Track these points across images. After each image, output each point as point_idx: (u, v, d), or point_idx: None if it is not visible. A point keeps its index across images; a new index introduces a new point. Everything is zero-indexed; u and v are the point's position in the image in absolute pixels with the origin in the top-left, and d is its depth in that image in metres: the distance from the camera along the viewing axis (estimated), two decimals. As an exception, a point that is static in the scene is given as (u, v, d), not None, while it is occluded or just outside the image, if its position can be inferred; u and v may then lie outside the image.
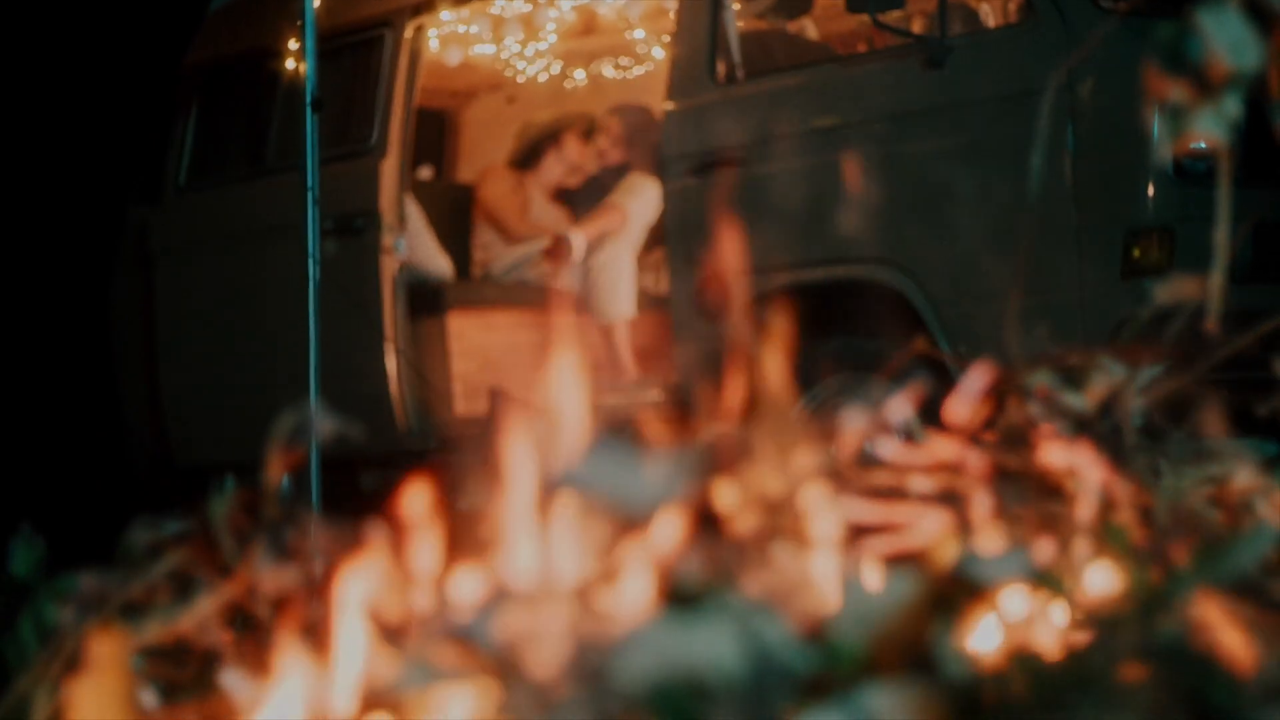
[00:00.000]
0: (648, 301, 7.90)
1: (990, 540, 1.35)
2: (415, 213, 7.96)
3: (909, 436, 1.45)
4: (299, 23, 6.90)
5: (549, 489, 1.32)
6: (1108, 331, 5.54)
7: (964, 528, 1.36)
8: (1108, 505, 1.35)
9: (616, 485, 1.29)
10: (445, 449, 7.56)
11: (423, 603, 1.33)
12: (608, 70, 9.12)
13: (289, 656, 1.28)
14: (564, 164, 8.60)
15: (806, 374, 5.92)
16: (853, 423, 1.42)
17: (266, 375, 7.75)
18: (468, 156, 9.48)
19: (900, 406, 1.50)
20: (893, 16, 6.33)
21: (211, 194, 8.38)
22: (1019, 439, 1.42)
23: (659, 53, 8.57)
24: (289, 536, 1.41)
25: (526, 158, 8.64)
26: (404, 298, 7.59)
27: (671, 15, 7.12)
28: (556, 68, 9.09)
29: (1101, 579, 1.28)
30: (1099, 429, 1.43)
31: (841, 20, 7.35)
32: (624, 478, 1.30)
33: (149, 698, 1.32)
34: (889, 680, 1.13)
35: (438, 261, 8.12)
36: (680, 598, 1.22)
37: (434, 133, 9.35)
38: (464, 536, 1.35)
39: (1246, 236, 5.24)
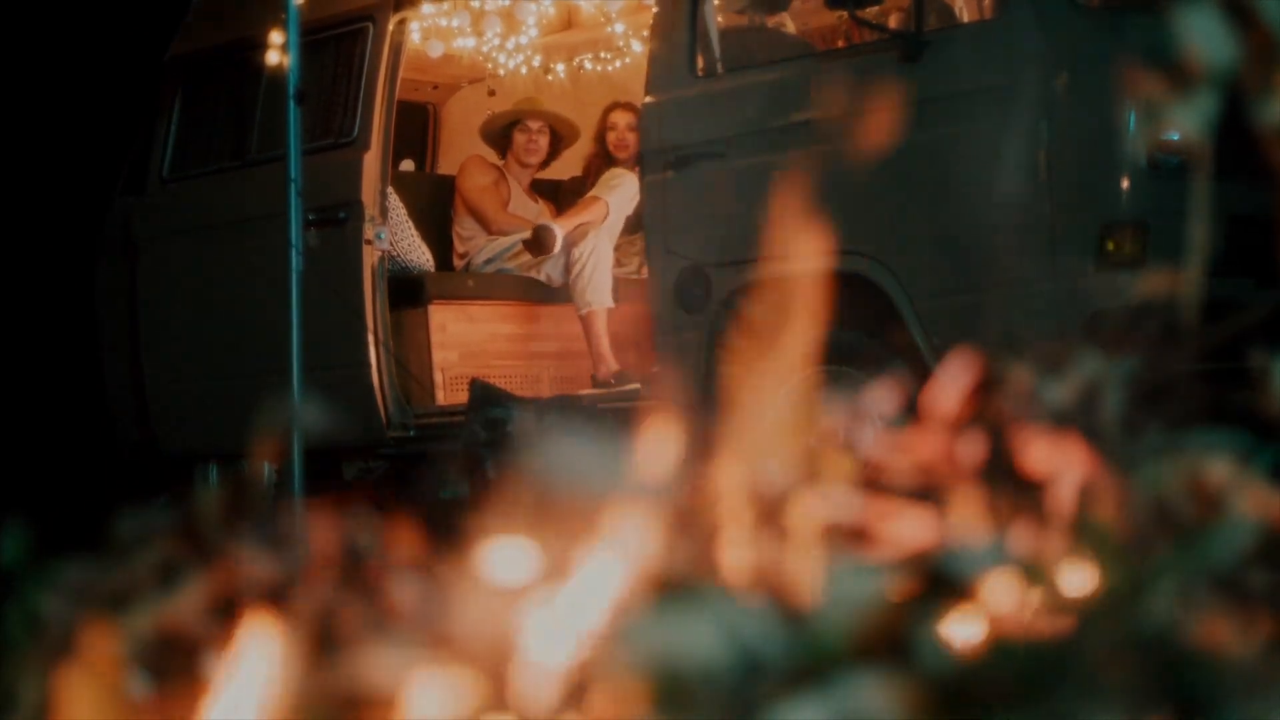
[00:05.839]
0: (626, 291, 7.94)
1: (970, 531, 1.36)
2: (397, 204, 7.97)
3: (888, 428, 1.46)
4: (282, 15, 6.90)
5: (530, 480, 1.33)
6: (1082, 324, 5.56)
7: (943, 519, 1.37)
8: (1086, 497, 1.37)
9: (594, 474, 1.31)
10: (426, 439, 7.58)
11: (404, 594, 1.34)
12: (588, 64, 9.14)
13: (271, 646, 1.29)
14: (532, 143, 8.61)
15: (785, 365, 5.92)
16: (831, 414, 1.44)
17: (249, 364, 7.76)
18: (449, 149, 9.49)
19: (878, 398, 1.51)
20: (870, 12, 6.35)
21: (195, 184, 8.38)
22: (996, 430, 1.43)
23: (638, 47, 8.59)
24: (274, 525, 1.42)
25: (499, 135, 8.67)
26: (385, 289, 7.60)
27: (652, 10, 7.13)
28: (537, 61, 9.10)
29: (1080, 570, 1.29)
30: (1076, 420, 1.44)
31: (820, 15, 7.36)
32: (602, 466, 1.31)
33: (137, 687, 1.33)
34: (870, 670, 1.15)
35: (419, 253, 8.13)
36: (661, 588, 1.23)
37: (416, 125, 9.36)
38: (446, 526, 1.36)
39: (1219, 230, 5.25)
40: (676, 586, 1.22)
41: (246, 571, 1.37)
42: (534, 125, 8.63)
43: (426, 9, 7.99)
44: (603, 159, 8.52)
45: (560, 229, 7.93)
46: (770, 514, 1.33)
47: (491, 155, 8.74)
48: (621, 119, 8.51)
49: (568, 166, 8.90)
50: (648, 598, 1.22)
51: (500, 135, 8.69)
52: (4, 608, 1.37)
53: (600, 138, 8.59)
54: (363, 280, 7.51)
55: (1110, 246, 5.67)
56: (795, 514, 1.33)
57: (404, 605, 1.32)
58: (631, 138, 8.41)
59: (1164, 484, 1.34)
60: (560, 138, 8.75)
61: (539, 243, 7.93)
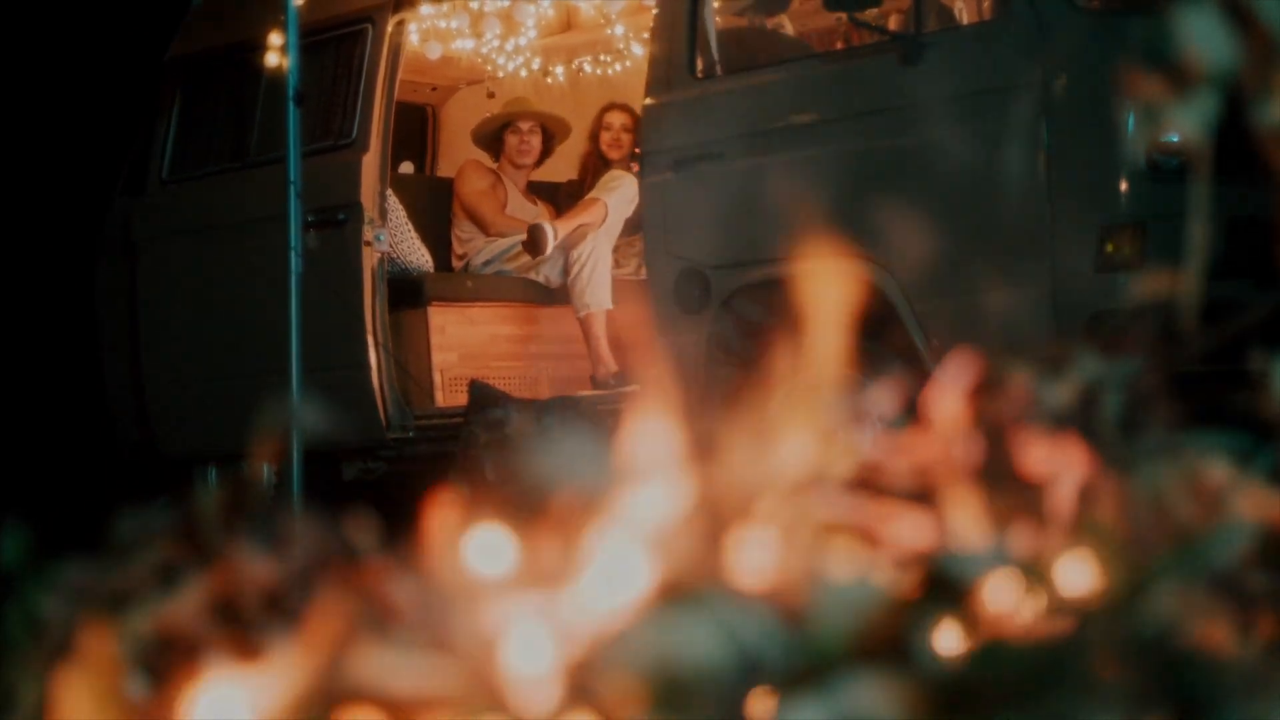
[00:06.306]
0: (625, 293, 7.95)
1: (969, 533, 1.36)
2: (396, 206, 7.98)
3: (887, 429, 1.46)
4: (281, 17, 6.91)
5: (529, 482, 1.33)
6: (1081, 325, 5.57)
7: (943, 520, 1.37)
8: (1085, 498, 1.37)
9: (592, 475, 1.31)
10: (425, 440, 7.58)
11: (404, 595, 1.34)
12: (587, 66, 9.14)
13: (269, 649, 1.29)
14: (524, 144, 8.61)
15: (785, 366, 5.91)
16: (830, 415, 1.44)
17: (248, 366, 7.77)
18: (448, 151, 9.50)
19: (877, 400, 1.51)
20: (869, 14, 6.35)
21: (194, 186, 8.38)
22: (996, 432, 1.43)
23: (638, 49, 8.59)
24: (273, 527, 1.42)
25: (491, 138, 8.68)
26: (385, 290, 7.60)
27: (652, 12, 7.14)
28: (536, 63, 9.10)
29: (1080, 571, 1.29)
30: (1075, 422, 1.44)
31: (819, 17, 7.37)
32: (600, 467, 1.31)
33: (137, 688, 1.32)
34: (870, 671, 1.15)
35: (418, 254, 8.14)
36: (661, 589, 1.23)
37: (415, 127, 9.36)
38: (446, 527, 1.36)
39: (1218, 231, 5.25)
40: (676, 587, 1.22)
41: (246, 573, 1.37)
42: (524, 126, 8.63)
43: (425, 10, 8.00)
44: (597, 159, 8.53)
45: (552, 228, 7.93)
46: (770, 515, 1.33)
47: (487, 159, 8.74)
48: (616, 119, 8.52)
49: (564, 168, 8.90)
50: (647, 599, 1.22)
51: (492, 139, 8.69)
52: (4, 608, 1.37)
53: (594, 138, 8.60)
54: (362, 282, 7.52)
55: (1110, 248, 5.67)
56: (795, 515, 1.33)
57: (402, 606, 1.32)
58: (626, 138, 8.42)
59: (1163, 485, 1.34)
60: (552, 135, 8.75)
61: (533, 242, 7.94)
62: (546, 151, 8.76)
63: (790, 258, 6.16)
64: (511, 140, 8.61)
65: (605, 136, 8.52)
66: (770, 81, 6.59)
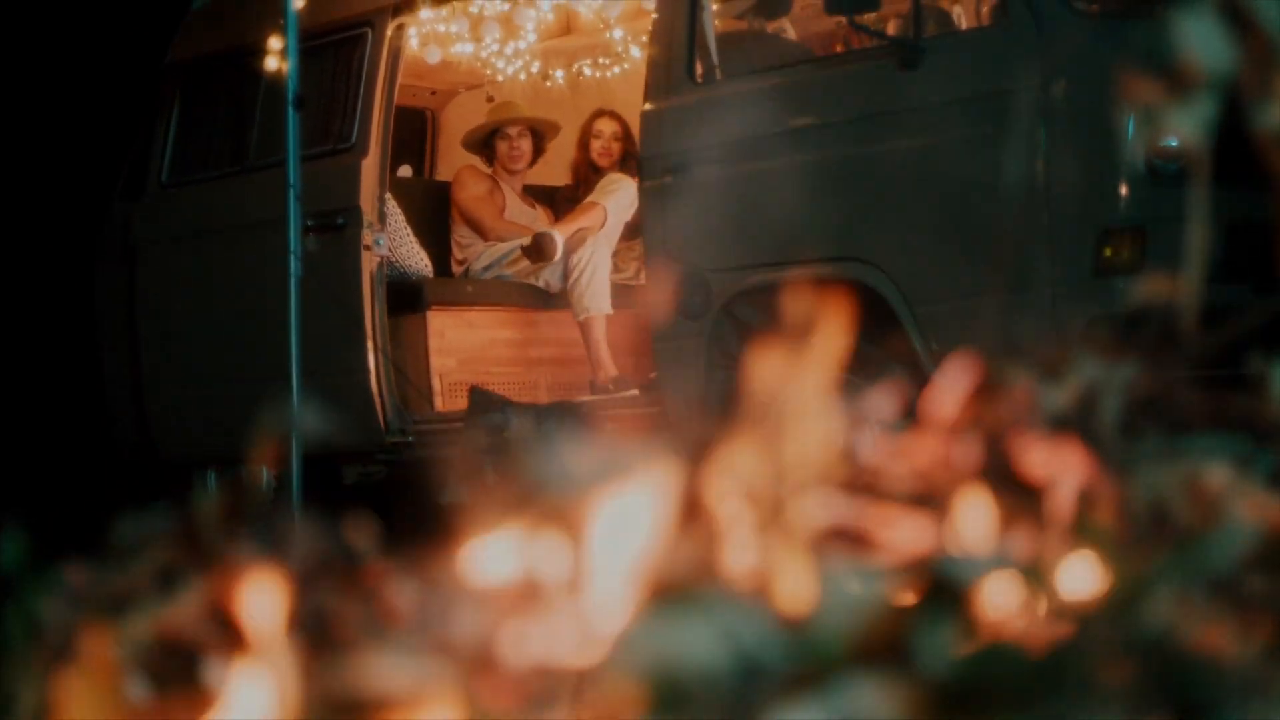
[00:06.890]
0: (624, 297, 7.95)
1: (969, 536, 1.36)
2: (395, 210, 7.98)
3: (887, 433, 1.46)
4: (281, 21, 6.91)
5: (528, 482, 1.33)
6: (1081, 329, 5.56)
7: (942, 524, 1.37)
8: (1085, 502, 1.37)
9: (591, 478, 1.31)
10: (424, 445, 7.58)
11: (402, 599, 1.34)
12: (587, 70, 9.14)
13: (266, 654, 1.29)
14: (515, 149, 8.60)
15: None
16: (831, 419, 1.44)
17: (247, 370, 7.77)
18: (447, 155, 9.49)
19: (877, 404, 1.51)
20: (868, 18, 6.35)
21: (194, 190, 8.38)
22: (995, 436, 1.43)
23: (637, 53, 8.59)
24: (273, 531, 1.42)
25: (481, 145, 8.67)
26: (384, 294, 7.60)
27: (651, 16, 7.14)
28: (536, 67, 9.10)
29: (1079, 575, 1.30)
30: (1075, 426, 1.44)
31: (818, 22, 7.37)
32: (599, 470, 1.31)
33: (136, 692, 1.32)
34: (869, 675, 1.15)
35: (418, 259, 8.14)
36: (661, 592, 1.23)
37: (414, 131, 9.36)
38: (445, 531, 1.36)
39: (1217, 235, 5.26)
40: (676, 591, 1.22)
41: (245, 576, 1.37)
42: (513, 131, 8.63)
43: (425, 14, 8.00)
44: (587, 167, 8.54)
45: (561, 236, 7.93)
46: (770, 519, 1.33)
47: (483, 164, 8.74)
48: (606, 127, 8.52)
49: (561, 171, 8.90)
50: (647, 602, 1.22)
51: (483, 145, 8.69)
52: (3, 611, 1.37)
53: (584, 145, 8.60)
54: (361, 286, 7.52)
55: (1108, 252, 5.67)
56: (795, 519, 1.33)
57: (403, 609, 1.32)
58: (616, 146, 8.43)
59: (1163, 489, 1.34)
60: (542, 136, 8.75)
61: (539, 250, 7.94)
62: (538, 152, 8.76)
63: (790, 261, 6.17)
64: (502, 147, 8.61)
65: (595, 144, 8.52)
66: (769, 86, 6.59)
